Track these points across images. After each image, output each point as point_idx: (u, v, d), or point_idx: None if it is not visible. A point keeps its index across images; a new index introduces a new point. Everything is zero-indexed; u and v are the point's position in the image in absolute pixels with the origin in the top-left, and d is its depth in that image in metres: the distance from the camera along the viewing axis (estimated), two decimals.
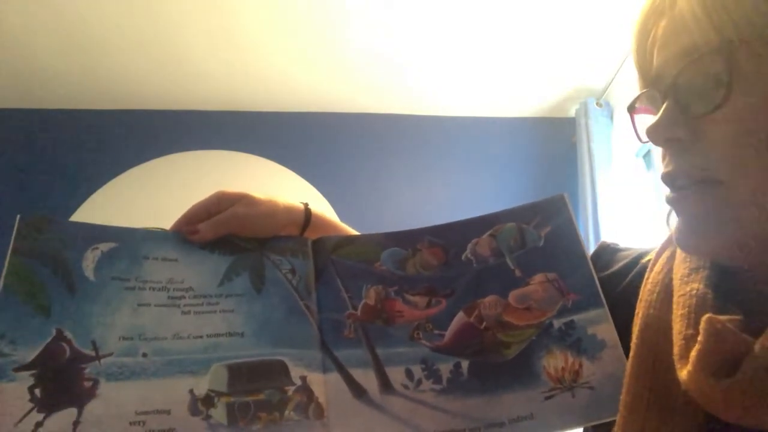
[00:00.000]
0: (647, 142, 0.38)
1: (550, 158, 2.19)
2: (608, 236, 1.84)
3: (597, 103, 2.05)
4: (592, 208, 1.93)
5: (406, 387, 0.46)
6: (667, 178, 0.38)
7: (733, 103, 0.32)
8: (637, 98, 0.41)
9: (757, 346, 0.29)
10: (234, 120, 2.14)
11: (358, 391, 0.46)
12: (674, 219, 0.39)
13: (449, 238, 0.53)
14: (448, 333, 0.48)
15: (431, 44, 1.83)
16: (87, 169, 2.00)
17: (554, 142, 2.21)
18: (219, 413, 0.42)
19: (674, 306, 0.37)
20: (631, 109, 0.41)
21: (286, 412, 0.44)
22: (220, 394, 0.43)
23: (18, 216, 0.45)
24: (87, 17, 1.63)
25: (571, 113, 2.18)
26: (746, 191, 0.33)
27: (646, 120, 0.38)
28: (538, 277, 0.50)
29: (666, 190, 0.39)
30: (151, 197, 1.96)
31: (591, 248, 0.56)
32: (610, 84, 2.05)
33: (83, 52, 1.78)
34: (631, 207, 1.85)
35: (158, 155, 2.04)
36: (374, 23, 1.72)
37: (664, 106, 0.36)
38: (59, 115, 2.06)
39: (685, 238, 0.37)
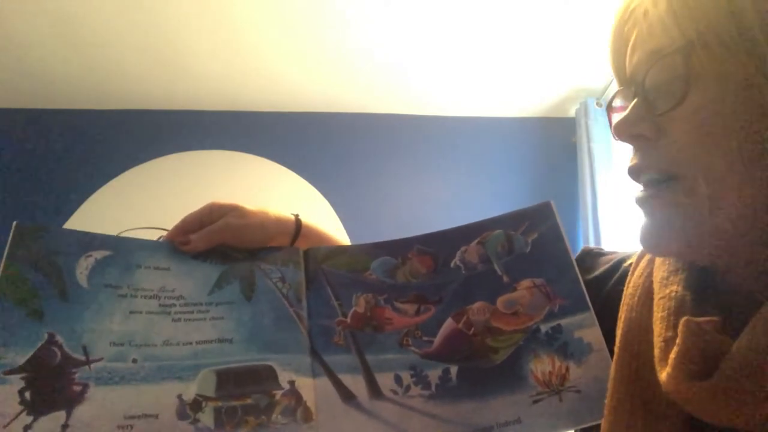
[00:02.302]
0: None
1: (550, 158, 2.19)
2: (608, 237, 1.84)
3: (597, 103, 2.05)
4: (592, 208, 1.92)
5: (395, 392, 0.46)
6: (632, 172, 0.39)
7: (691, 100, 0.33)
8: (614, 97, 0.42)
9: (734, 347, 0.30)
10: (234, 120, 2.14)
11: (347, 395, 0.46)
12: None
13: (438, 246, 0.53)
14: (437, 339, 0.49)
15: (431, 44, 1.82)
16: (87, 169, 2.01)
17: (554, 143, 2.20)
18: (206, 417, 0.43)
19: (654, 309, 0.37)
20: (610, 108, 0.42)
21: (274, 416, 0.44)
22: (207, 399, 0.43)
23: (14, 223, 0.46)
24: (87, 18, 1.64)
25: (571, 113, 2.18)
26: (705, 189, 0.33)
27: None
28: (526, 283, 0.50)
29: (635, 190, 0.39)
30: (150, 197, 1.96)
31: None
32: (610, 84, 2.04)
33: (83, 52, 1.79)
34: (631, 207, 1.85)
35: (158, 155, 2.04)
36: (374, 23, 1.72)
37: (632, 103, 0.37)
38: (59, 115, 2.06)
39: (649, 238, 0.38)
